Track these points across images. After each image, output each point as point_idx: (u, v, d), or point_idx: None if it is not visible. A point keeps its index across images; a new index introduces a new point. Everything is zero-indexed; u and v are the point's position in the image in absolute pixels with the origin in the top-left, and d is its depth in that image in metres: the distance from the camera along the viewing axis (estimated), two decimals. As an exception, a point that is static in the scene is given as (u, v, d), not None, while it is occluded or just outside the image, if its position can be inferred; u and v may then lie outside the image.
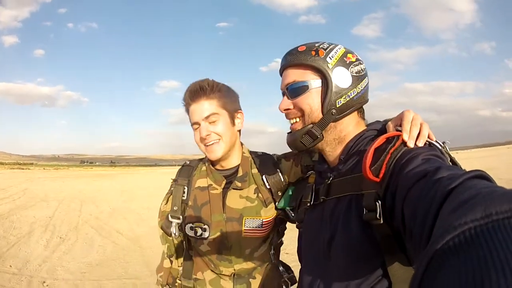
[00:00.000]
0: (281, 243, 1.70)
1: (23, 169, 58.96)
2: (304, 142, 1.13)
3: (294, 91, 1.12)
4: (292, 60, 1.12)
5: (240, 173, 1.59)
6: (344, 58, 1.09)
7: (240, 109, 1.62)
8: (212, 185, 1.59)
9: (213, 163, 1.62)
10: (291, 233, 1.61)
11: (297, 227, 1.31)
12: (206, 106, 1.49)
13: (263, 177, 1.57)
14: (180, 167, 1.75)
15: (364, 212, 0.91)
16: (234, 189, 1.56)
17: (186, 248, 1.69)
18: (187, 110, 1.55)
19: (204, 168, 1.65)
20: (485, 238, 0.36)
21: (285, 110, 1.16)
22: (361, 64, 1.12)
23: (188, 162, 1.74)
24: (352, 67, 1.09)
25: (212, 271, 1.60)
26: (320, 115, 1.09)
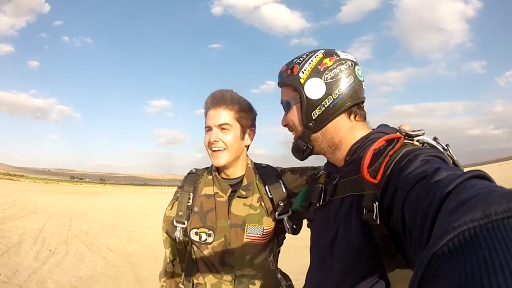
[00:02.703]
0: (279, 251, 1.73)
1: (13, 180, 57.97)
2: (296, 156, 1.25)
3: (285, 108, 1.23)
4: (278, 80, 1.23)
5: (244, 183, 1.66)
6: (319, 67, 1.11)
7: (254, 127, 1.71)
8: (218, 193, 1.65)
9: (219, 171, 1.69)
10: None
11: (308, 226, 1.35)
12: (223, 114, 1.57)
13: (266, 187, 1.65)
14: (178, 180, 1.82)
15: (364, 212, 0.92)
16: (238, 197, 1.63)
17: (189, 253, 1.71)
18: (205, 114, 1.62)
19: (210, 177, 1.71)
20: (484, 238, 0.36)
21: (284, 125, 1.26)
22: (341, 64, 1.11)
23: (194, 170, 1.79)
24: (326, 74, 1.10)
25: (213, 276, 1.63)
26: (301, 129, 1.17)
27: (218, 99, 1.58)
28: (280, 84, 1.23)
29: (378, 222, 0.88)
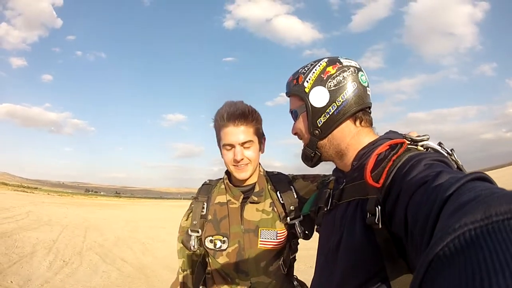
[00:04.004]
0: (295, 258, 1.72)
1: (27, 192, 58.80)
2: (306, 163, 1.27)
3: (293, 117, 1.27)
4: (286, 91, 1.27)
5: (256, 189, 1.68)
6: (322, 75, 1.13)
7: (264, 134, 1.71)
8: (231, 200, 1.68)
9: (232, 180, 1.72)
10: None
11: (316, 230, 1.37)
12: (244, 132, 1.56)
13: (278, 193, 1.67)
14: (194, 191, 1.85)
15: (368, 216, 0.92)
16: (251, 203, 1.65)
17: (200, 262, 1.75)
18: (220, 129, 1.59)
19: (222, 186, 1.74)
20: (485, 239, 0.36)
21: (293, 134, 1.28)
22: (344, 71, 1.13)
23: (208, 181, 1.83)
24: (329, 82, 1.12)
25: (229, 286, 1.62)
26: (308, 137, 1.19)
27: (238, 116, 1.55)
28: (288, 94, 1.27)
29: (380, 226, 0.88)
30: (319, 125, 1.14)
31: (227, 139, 1.56)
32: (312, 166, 1.26)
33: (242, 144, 1.56)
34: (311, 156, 1.22)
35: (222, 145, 1.59)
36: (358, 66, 1.16)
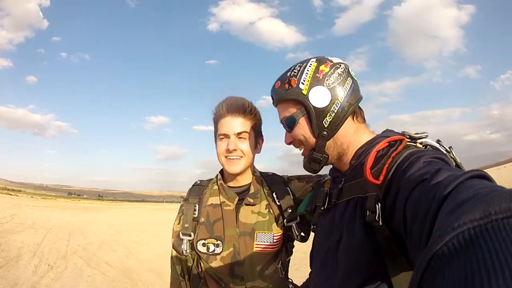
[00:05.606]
0: (289, 261, 1.69)
1: (11, 194, 57.75)
2: (313, 168, 1.21)
3: (288, 125, 1.19)
4: (274, 97, 1.20)
5: (252, 190, 1.63)
6: (317, 75, 1.10)
7: (262, 136, 1.69)
8: (225, 202, 1.61)
9: (225, 180, 1.67)
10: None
11: (312, 230, 1.33)
12: (241, 123, 1.54)
13: (273, 194, 1.61)
14: (185, 191, 1.77)
15: (367, 214, 0.91)
16: (246, 205, 1.59)
17: (195, 267, 1.65)
18: (218, 120, 1.58)
19: (215, 187, 1.68)
20: (484, 238, 0.36)
21: (289, 143, 1.24)
22: (337, 68, 1.12)
23: (198, 182, 1.76)
24: (327, 80, 1.09)
25: None
26: (314, 140, 1.14)
27: (237, 107, 1.54)
28: (279, 101, 1.20)
29: (381, 223, 0.87)
30: (326, 126, 1.11)
31: (223, 129, 1.53)
32: (318, 171, 1.23)
33: (238, 134, 1.53)
34: (320, 159, 1.17)
35: (217, 136, 1.56)
36: (345, 62, 1.15)
